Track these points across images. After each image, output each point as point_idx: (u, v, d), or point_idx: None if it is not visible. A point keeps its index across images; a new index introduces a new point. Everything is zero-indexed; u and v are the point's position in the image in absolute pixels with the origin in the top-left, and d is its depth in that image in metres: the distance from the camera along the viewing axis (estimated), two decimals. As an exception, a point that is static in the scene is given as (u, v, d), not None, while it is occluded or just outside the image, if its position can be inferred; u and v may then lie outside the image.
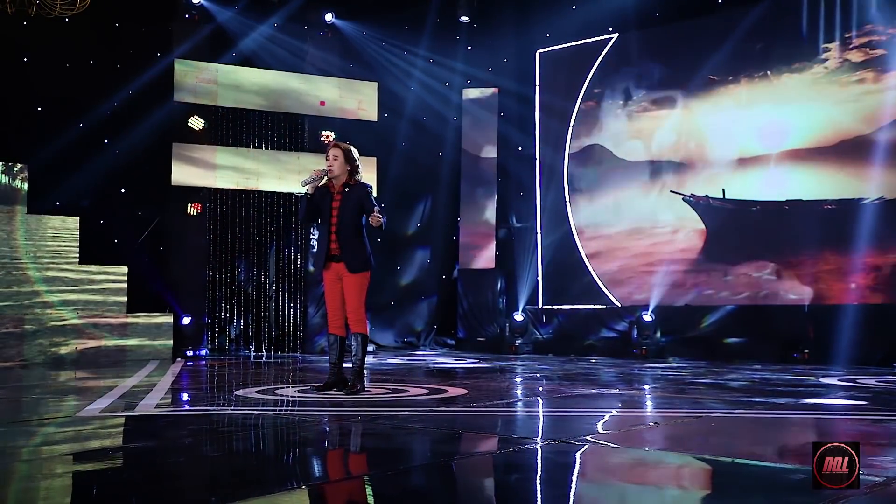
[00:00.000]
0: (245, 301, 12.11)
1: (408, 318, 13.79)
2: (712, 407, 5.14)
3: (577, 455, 3.39)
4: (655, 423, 4.41)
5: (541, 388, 6.65)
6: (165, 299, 11.15)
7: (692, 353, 10.85)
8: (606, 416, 4.79)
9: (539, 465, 3.22)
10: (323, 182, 5.96)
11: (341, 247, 5.85)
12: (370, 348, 12.37)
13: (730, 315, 10.89)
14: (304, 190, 5.93)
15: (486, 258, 13.35)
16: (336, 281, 5.92)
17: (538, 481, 3.01)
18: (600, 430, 4.15)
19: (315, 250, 10.28)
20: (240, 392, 6.05)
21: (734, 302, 10.94)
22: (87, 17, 10.13)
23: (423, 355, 11.73)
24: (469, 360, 10.49)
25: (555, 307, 12.69)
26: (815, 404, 5.28)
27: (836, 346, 9.81)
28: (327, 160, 5.99)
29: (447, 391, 6.11)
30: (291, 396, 5.71)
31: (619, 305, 11.94)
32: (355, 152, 6.09)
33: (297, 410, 4.96)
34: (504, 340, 12.38)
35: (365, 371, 6.02)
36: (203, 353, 11.01)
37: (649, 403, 5.59)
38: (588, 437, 3.78)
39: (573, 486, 2.90)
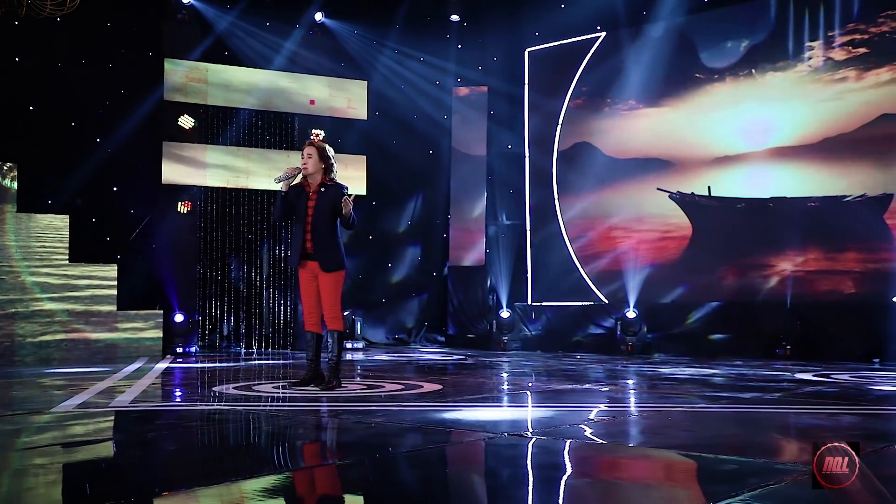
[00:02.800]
0: (236, 298, 12.22)
1: (399, 315, 13.90)
2: (676, 402, 5.23)
3: (515, 448, 3.48)
4: (613, 416, 4.50)
5: (514, 384, 6.74)
6: (159, 296, 11.26)
7: (678, 349, 10.95)
8: (568, 411, 4.88)
9: (475, 458, 3.32)
10: (297, 180, 6.04)
11: (315, 246, 5.92)
12: (360, 345, 12.48)
13: (715, 311, 10.99)
14: (278, 187, 6.01)
15: (475, 255, 13.45)
16: (311, 279, 6.00)
17: (467, 473, 3.10)
18: (554, 425, 4.24)
19: None
20: (217, 388, 6.15)
21: (719, 298, 11.03)
22: (79, 17, 10.22)
23: (413, 352, 11.83)
24: (456, 357, 10.58)
25: (543, 304, 12.79)
26: (778, 399, 5.36)
27: (819, 341, 9.94)
28: (302, 159, 6.07)
29: (422, 387, 6.21)
30: (266, 393, 5.81)
31: (607, 302, 12.03)
32: (330, 151, 6.14)
33: (267, 406, 5.06)
34: (493, 337, 12.48)
35: (342, 367, 6.11)
36: (193, 349, 11.11)
37: (616, 398, 5.68)
38: (537, 431, 3.88)
39: (498, 478, 3.00)
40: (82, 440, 3.76)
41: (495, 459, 3.33)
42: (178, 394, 6.19)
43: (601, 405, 5.19)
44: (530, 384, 6.70)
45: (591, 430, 4.00)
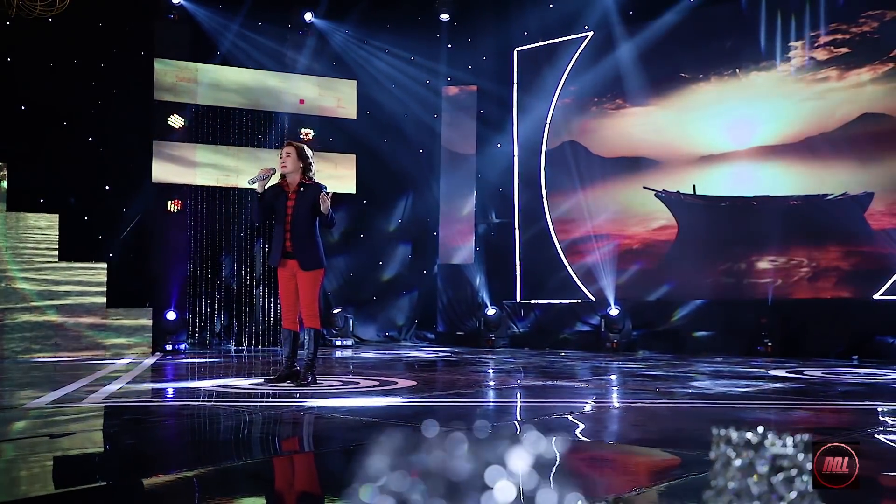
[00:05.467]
0: (226, 296, 12.34)
1: (389, 313, 14.00)
2: (639, 398, 5.33)
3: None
4: (571, 412, 4.61)
5: (487, 381, 6.85)
6: (149, 294, 11.38)
7: (663, 346, 11.03)
8: (528, 406, 4.98)
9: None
10: (272, 181, 6.15)
11: (295, 245, 6.04)
12: (349, 342, 12.59)
13: (699, 309, 11.08)
14: (254, 187, 6.11)
15: (465, 253, 13.55)
16: (290, 278, 6.11)
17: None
18: (508, 420, 4.34)
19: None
20: (195, 384, 6.27)
21: (704, 296, 11.11)
22: (70, 17, 10.35)
23: (402, 349, 11.94)
24: (442, 354, 10.70)
25: (532, 301, 12.90)
26: (741, 395, 5.46)
27: (800, 339, 10.02)
28: (281, 158, 6.19)
29: (396, 383, 6.32)
30: (242, 388, 5.92)
31: (594, 300, 12.13)
32: (308, 150, 6.27)
33: (237, 402, 5.16)
34: (481, 334, 12.58)
35: (316, 364, 6.22)
36: (182, 347, 11.21)
37: (581, 394, 5.77)
38: (486, 426, 3.98)
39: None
40: (43, 434, 3.87)
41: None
42: (154, 390, 6.30)
43: (562, 401, 5.29)
44: (504, 380, 6.80)
45: (537, 425, 4.10)
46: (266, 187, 6.11)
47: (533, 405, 5.12)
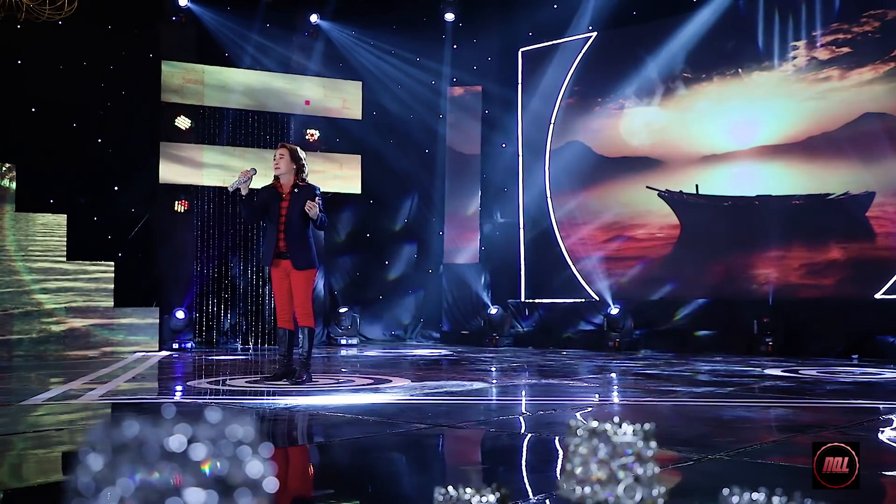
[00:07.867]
0: (233, 295, 12.47)
1: (395, 312, 14.09)
2: (625, 396, 5.39)
3: (421, 440, 3.67)
4: (554, 409, 4.67)
5: (483, 379, 6.91)
6: (156, 293, 11.53)
7: (665, 345, 11.05)
8: (514, 404, 5.05)
9: (377, 448, 3.50)
10: (256, 183, 6.25)
11: (289, 245, 6.14)
12: (353, 341, 12.70)
13: (701, 308, 11.10)
14: (239, 191, 6.19)
15: (470, 253, 13.62)
16: (284, 278, 6.22)
17: (361, 463, 3.29)
18: (490, 417, 4.41)
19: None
20: (192, 383, 6.37)
21: (706, 295, 11.13)
22: (80, 20, 10.50)
23: (407, 348, 12.02)
24: (444, 353, 10.77)
25: (536, 301, 12.95)
26: (728, 393, 5.50)
27: (801, 338, 10.03)
28: (274, 159, 6.30)
29: (391, 381, 6.40)
30: (236, 387, 6.02)
31: (597, 299, 12.16)
32: (301, 152, 6.37)
33: (230, 399, 5.26)
34: (485, 333, 12.64)
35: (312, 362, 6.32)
36: (189, 346, 11.34)
37: (570, 392, 5.83)
38: (463, 424, 4.05)
39: (383, 467, 3.18)
40: (27, 431, 3.98)
41: (385, 449, 3.52)
42: (150, 388, 6.41)
43: (549, 399, 5.35)
44: (498, 379, 6.86)
45: (516, 423, 4.17)
46: (250, 188, 6.20)
47: (513, 403, 5.19)
